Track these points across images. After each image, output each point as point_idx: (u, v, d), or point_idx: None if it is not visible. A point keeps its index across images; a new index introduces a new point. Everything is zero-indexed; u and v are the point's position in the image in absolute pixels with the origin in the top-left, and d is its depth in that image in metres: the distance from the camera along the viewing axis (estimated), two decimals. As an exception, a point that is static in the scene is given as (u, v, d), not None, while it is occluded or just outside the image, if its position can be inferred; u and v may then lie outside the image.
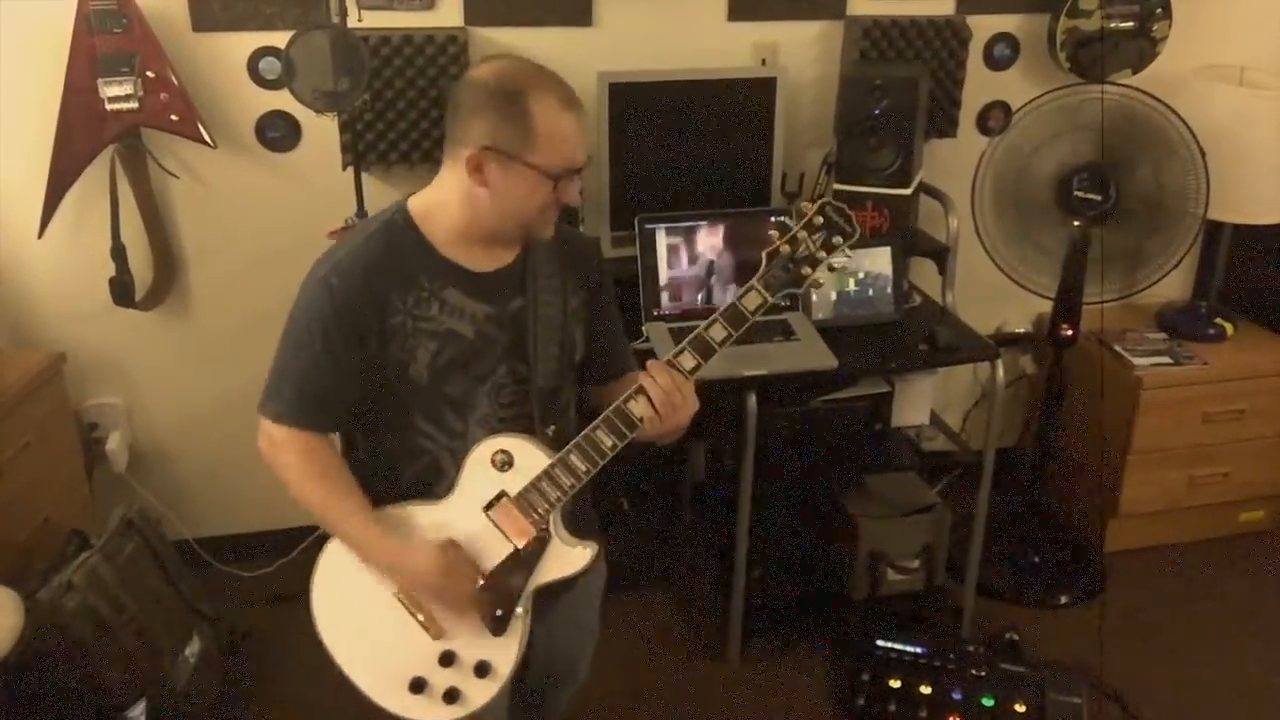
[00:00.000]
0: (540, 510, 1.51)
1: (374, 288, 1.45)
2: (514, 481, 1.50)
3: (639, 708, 2.48)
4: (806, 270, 1.52)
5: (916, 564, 2.66)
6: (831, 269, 1.54)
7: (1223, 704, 2.51)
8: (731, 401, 2.31)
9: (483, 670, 1.53)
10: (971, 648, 2.49)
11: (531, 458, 1.51)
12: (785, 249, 1.51)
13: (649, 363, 1.50)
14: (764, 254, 1.52)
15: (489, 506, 1.51)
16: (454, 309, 1.49)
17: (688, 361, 1.50)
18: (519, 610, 1.53)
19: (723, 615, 2.58)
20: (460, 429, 1.53)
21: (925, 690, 2.39)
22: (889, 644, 2.49)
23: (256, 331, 2.67)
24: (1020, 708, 2.35)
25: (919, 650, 2.47)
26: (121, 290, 2.51)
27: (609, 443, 1.49)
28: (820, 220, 1.51)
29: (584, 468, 1.49)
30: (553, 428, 1.56)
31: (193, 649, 2.33)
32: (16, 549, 2.22)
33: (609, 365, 1.70)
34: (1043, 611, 2.80)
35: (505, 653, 1.54)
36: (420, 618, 1.52)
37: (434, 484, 1.54)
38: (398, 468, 1.55)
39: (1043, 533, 2.99)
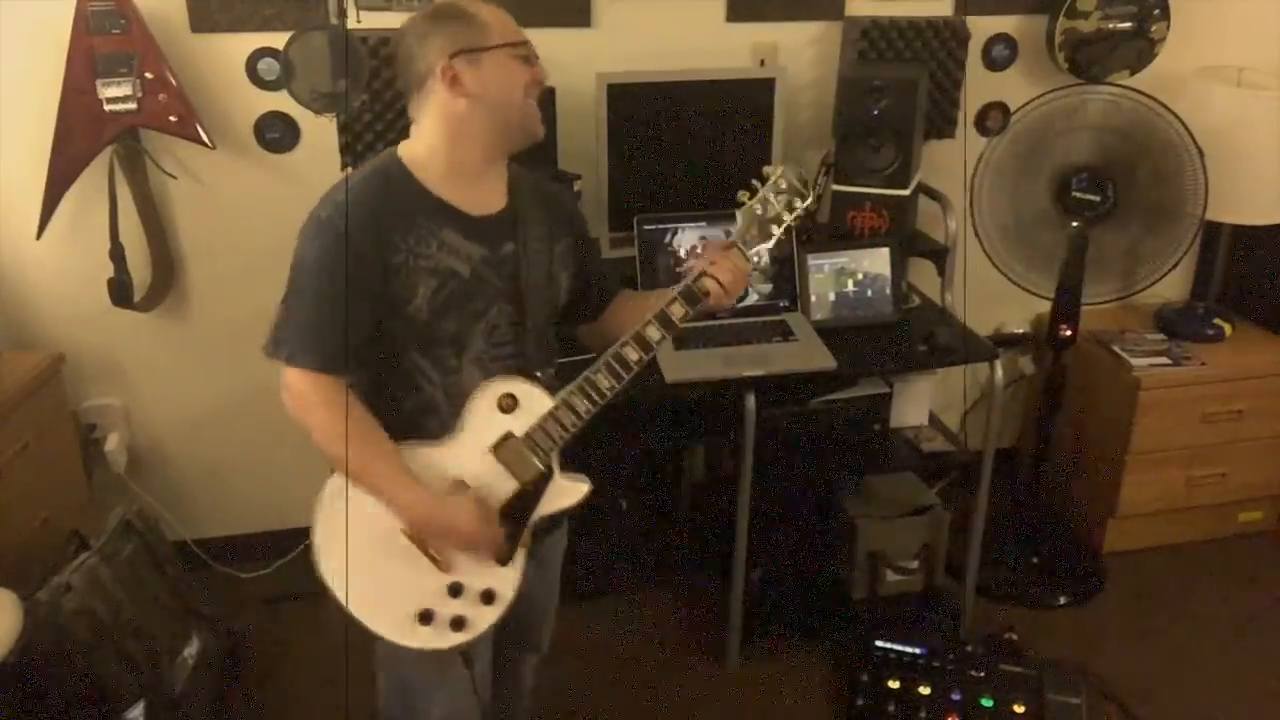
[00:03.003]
0: (545, 449, 1.58)
1: (377, 227, 1.49)
2: (519, 423, 1.57)
3: (639, 707, 2.48)
4: (773, 228, 1.65)
5: (915, 564, 2.66)
6: (789, 227, 1.67)
7: (1223, 704, 2.51)
8: (731, 402, 2.31)
9: (489, 597, 1.60)
10: (970, 648, 2.49)
11: (535, 399, 1.58)
12: (757, 209, 1.64)
13: (712, 258, 1.63)
14: (737, 212, 1.65)
15: (496, 447, 1.57)
16: (451, 248, 1.55)
17: (677, 311, 1.60)
18: (524, 541, 1.61)
19: (723, 615, 2.58)
20: (455, 365, 1.58)
21: (924, 691, 2.39)
22: (888, 644, 2.49)
23: (255, 332, 2.64)
24: (1019, 708, 2.35)
25: (918, 651, 2.47)
26: (120, 291, 2.51)
27: (607, 384, 1.58)
28: (784, 184, 1.64)
29: (584, 407, 1.58)
30: (551, 370, 1.65)
31: (191, 650, 2.33)
32: (15, 550, 2.22)
33: (602, 297, 1.82)
34: (1042, 612, 2.80)
35: (509, 579, 1.61)
36: (430, 554, 1.56)
37: (427, 419, 1.59)
38: (394, 403, 1.59)
39: (1042, 533, 2.99)
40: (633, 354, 1.59)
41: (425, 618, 1.57)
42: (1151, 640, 2.71)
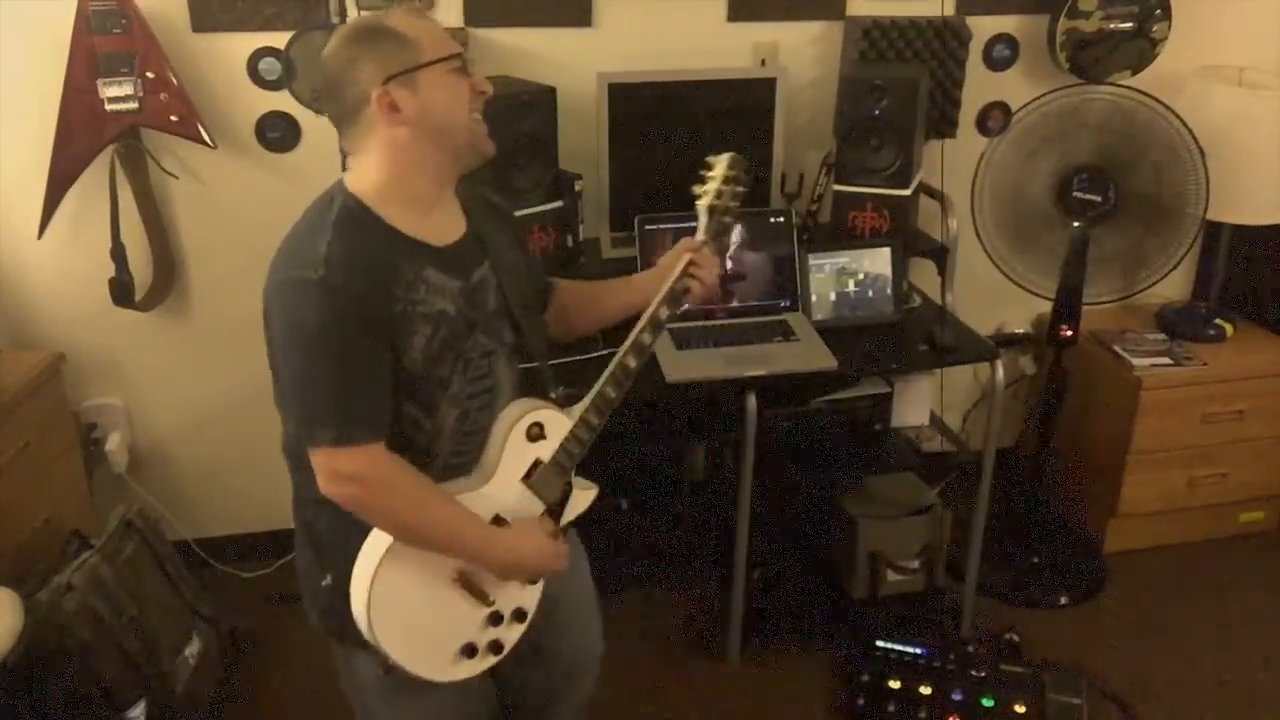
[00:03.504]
0: (567, 467, 1.61)
1: (373, 279, 1.39)
2: (545, 449, 1.59)
3: (639, 707, 2.48)
4: (727, 219, 1.70)
5: (916, 564, 2.66)
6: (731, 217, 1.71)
7: (1223, 704, 2.51)
8: (731, 402, 2.31)
9: (520, 615, 1.62)
10: (971, 648, 2.49)
11: (557, 424, 1.59)
12: (718, 203, 1.67)
13: (690, 257, 1.64)
14: (705, 208, 1.68)
15: (527, 476, 1.58)
16: (436, 288, 1.46)
17: (665, 313, 1.63)
18: None
19: (723, 615, 2.58)
20: (435, 407, 1.50)
21: (925, 691, 2.39)
22: (889, 644, 2.49)
23: (256, 332, 2.66)
24: (1020, 708, 2.35)
25: (919, 651, 2.47)
26: (121, 290, 2.51)
27: (614, 395, 1.60)
28: (733, 173, 1.67)
29: (597, 422, 1.60)
30: (561, 388, 1.63)
31: (192, 649, 2.33)
32: (16, 549, 2.22)
33: (544, 296, 1.81)
34: (1043, 611, 2.80)
35: (535, 593, 1.64)
36: (477, 592, 1.56)
37: (421, 466, 1.50)
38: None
39: (1043, 533, 2.99)
40: (633, 361, 1.60)
41: (469, 651, 1.56)
42: (1151, 640, 2.71)
